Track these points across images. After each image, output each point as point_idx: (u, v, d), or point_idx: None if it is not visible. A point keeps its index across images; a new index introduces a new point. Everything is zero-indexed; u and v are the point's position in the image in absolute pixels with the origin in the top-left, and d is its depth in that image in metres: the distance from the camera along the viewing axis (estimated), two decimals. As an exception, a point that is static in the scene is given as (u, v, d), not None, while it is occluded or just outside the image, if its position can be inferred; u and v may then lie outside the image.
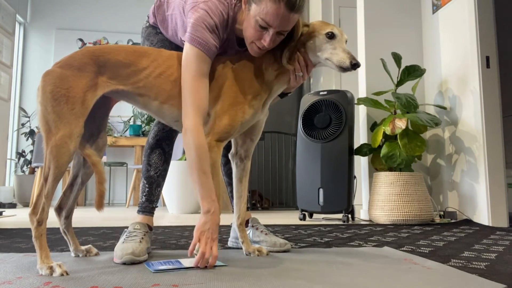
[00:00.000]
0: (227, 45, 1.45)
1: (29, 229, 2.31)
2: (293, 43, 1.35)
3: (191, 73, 1.29)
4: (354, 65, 1.29)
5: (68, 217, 1.41)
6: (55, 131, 1.18)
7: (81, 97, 1.22)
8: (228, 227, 2.51)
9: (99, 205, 1.25)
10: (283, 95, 1.51)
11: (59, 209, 1.40)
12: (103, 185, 1.26)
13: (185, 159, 4.19)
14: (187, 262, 1.25)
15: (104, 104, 1.40)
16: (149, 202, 1.57)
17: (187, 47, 1.31)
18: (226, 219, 3.22)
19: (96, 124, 1.39)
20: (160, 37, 1.59)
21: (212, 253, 1.20)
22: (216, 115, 1.33)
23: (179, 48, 1.57)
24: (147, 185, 1.58)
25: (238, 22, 1.39)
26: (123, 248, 1.30)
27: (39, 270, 1.12)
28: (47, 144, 1.19)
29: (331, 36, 1.34)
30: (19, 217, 3.38)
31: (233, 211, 1.66)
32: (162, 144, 1.60)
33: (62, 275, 1.09)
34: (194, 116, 1.27)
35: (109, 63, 1.29)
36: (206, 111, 1.31)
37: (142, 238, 1.40)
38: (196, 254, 1.24)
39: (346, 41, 1.39)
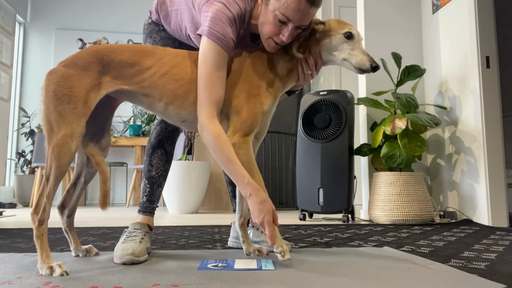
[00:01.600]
0: (239, 39, 1.43)
1: (29, 229, 2.32)
2: (303, 33, 1.35)
3: (208, 68, 1.28)
4: (375, 68, 1.30)
5: (71, 216, 1.41)
6: (57, 131, 1.18)
7: (83, 96, 1.21)
8: (228, 227, 2.51)
9: (103, 204, 1.25)
10: (290, 93, 1.51)
11: (62, 208, 1.40)
12: (106, 185, 1.26)
13: (186, 159, 4.18)
14: (241, 263, 1.26)
15: (109, 104, 1.40)
16: (150, 202, 1.57)
17: (204, 42, 1.30)
18: (226, 219, 3.22)
19: (99, 124, 1.39)
20: (163, 35, 1.58)
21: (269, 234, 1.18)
22: (234, 111, 1.32)
23: (182, 45, 1.57)
24: (148, 185, 1.57)
25: (253, 17, 1.38)
26: (123, 248, 1.30)
27: (39, 270, 1.12)
28: (48, 144, 1.19)
29: (349, 36, 1.33)
30: (19, 217, 3.38)
31: (234, 211, 1.66)
32: (164, 144, 1.59)
33: (62, 275, 1.09)
34: (209, 110, 1.27)
35: (114, 63, 1.29)
36: (221, 104, 1.31)
37: (142, 238, 1.40)
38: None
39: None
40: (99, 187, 1.27)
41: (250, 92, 1.32)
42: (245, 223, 1.50)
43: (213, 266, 1.21)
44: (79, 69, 1.24)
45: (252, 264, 1.24)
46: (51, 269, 1.11)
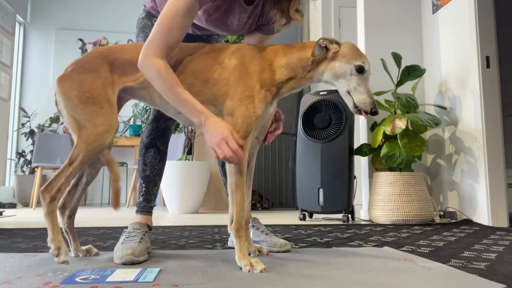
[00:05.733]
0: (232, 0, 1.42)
1: (29, 229, 2.32)
2: None
3: (172, 12, 1.25)
4: (373, 113, 1.26)
5: (71, 217, 1.41)
6: (91, 125, 1.21)
7: (105, 96, 1.25)
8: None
9: (115, 204, 1.25)
10: None
11: (62, 208, 1.40)
12: (118, 183, 1.27)
13: (186, 159, 4.18)
14: (119, 274, 1.11)
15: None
16: (147, 202, 1.57)
17: None
18: (226, 219, 3.22)
19: None
20: None
21: (233, 150, 1.17)
22: (228, 112, 1.28)
23: None
24: (144, 185, 1.58)
25: None
26: (122, 248, 1.30)
27: (49, 243, 1.17)
28: (80, 137, 1.21)
29: (360, 70, 1.28)
30: (19, 217, 3.38)
31: None
32: (157, 143, 1.59)
33: (63, 262, 1.14)
34: (158, 50, 1.24)
35: (117, 62, 1.31)
36: (171, 52, 1.29)
37: (142, 238, 1.40)
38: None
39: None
40: (102, 187, 1.27)
41: (244, 93, 1.26)
42: (247, 222, 1.48)
43: (82, 279, 1.04)
44: (90, 72, 1.27)
45: (130, 275, 1.08)
46: (59, 250, 1.15)
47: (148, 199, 1.57)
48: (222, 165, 1.73)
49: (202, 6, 1.31)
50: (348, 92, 1.29)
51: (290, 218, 3.36)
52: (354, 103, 1.28)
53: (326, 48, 1.30)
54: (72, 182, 1.42)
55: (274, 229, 2.36)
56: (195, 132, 4.38)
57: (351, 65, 1.28)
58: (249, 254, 1.40)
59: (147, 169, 1.58)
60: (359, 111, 1.28)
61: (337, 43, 1.30)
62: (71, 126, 1.24)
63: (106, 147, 1.23)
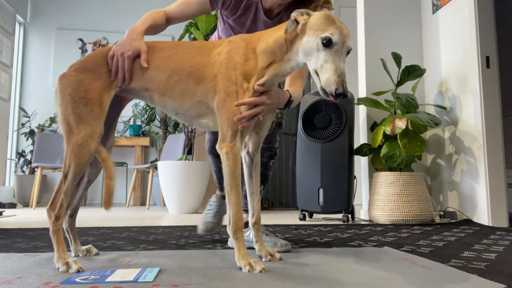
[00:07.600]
0: (254, 13, 1.52)
1: (29, 229, 2.32)
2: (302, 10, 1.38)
3: None
4: (338, 95, 1.05)
5: (73, 216, 1.42)
6: (77, 131, 1.22)
7: (98, 99, 1.26)
8: (228, 227, 2.51)
9: (107, 204, 1.25)
10: (284, 106, 1.42)
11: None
12: (112, 180, 1.27)
13: (186, 159, 4.18)
14: (119, 274, 1.10)
15: (116, 103, 1.42)
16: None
17: None
18: (226, 218, 3.22)
19: (107, 123, 1.39)
20: None
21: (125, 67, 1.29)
22: (217, 110, 1.25)
23: None
24: (216, 171, 1.83)
25: None
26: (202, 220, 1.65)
27: (56, 264, 1.16)
28: (67, 144, 1.23)
29: (327, 43, 1.07)
30: (19, 217, 3.38)
31: (245, 211, 1.62)
32: (213, 150, 1.76)
33: (78, 271, 1.12)
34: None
35: None
36: (176, 18, 1.53)
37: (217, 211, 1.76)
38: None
39: (350, 51, 1.11)
40: (102, 186, 1.28)
41: (229, 87, 1.22)
42: (259, 222, 1.40)
43: (82, 279, 1.04)
44: (89, 72, 1.28)
45: (130, 275, 1.08)
46: (67, 265, 1.14)
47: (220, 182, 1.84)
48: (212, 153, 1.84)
49: (212, 6, 1.47)
50: (316, 72, 1.10)
51: (290, 218, 3.36)
52: (321, 84, 1.08)
53: (297, 22, 1.15)
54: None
55: (274, 229, 2.36)
56: (195, 132, 4.38)
57: (317, 37, 1.09)
58: (261, 258, 1.34)
59: (213, 166, 1.84)
60: (326, 94, 1.08)
61: (308, 14, 1.14)
62: (62, 127, 1.25)
63: (93, 153, 1.24)
